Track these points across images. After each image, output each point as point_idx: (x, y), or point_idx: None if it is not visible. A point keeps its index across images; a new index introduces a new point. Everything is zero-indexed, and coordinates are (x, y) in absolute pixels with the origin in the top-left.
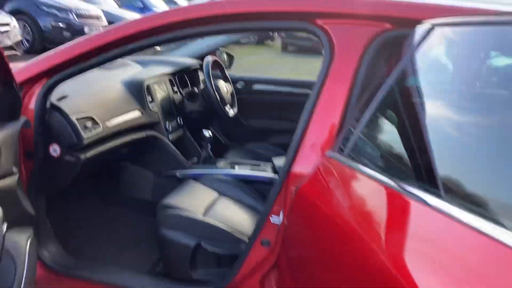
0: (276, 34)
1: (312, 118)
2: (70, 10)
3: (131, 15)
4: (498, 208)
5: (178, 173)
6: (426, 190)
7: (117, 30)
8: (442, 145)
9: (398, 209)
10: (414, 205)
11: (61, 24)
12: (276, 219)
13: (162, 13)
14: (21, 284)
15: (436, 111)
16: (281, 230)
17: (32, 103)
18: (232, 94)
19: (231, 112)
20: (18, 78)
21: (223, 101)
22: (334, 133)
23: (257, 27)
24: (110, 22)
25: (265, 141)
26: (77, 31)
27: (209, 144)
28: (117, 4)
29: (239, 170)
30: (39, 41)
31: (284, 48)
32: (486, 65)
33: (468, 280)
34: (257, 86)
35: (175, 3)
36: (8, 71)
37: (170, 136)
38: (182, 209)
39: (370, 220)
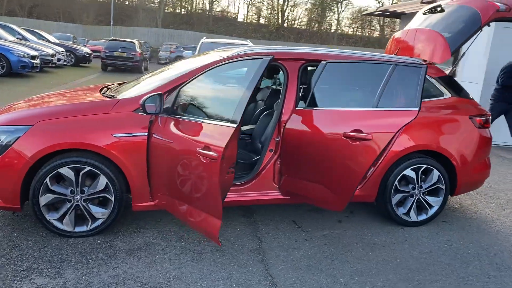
0: None
1: (285, 101)
2: None
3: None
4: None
5: None
6: None
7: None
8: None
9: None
10: None
11: None
12: (277, 139)
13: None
14: None
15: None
16: (279, 143)
17: None
18: None
19: None
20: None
21: None
22: (293, 104)
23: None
24: None
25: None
26: None
27: None
28: None
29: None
30: None
31: (104, 68)
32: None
33: None
34: None
35: (43, 37)
36: None
37: None
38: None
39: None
